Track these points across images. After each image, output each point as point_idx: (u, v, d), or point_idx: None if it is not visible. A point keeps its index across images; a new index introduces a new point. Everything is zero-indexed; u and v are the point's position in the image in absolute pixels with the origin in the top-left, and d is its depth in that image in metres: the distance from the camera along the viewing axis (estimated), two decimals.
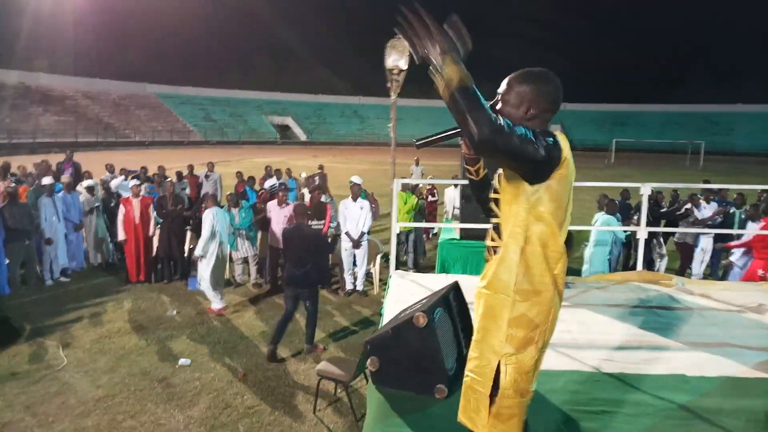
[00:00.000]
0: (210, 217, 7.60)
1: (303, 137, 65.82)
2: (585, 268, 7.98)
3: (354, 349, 6.34)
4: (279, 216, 8.45)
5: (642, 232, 5.99)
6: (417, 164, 16.53)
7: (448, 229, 7.53)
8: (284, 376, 5.75)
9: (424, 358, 3.09)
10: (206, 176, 12.91)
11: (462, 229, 6.68)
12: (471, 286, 4.12)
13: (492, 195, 2.17)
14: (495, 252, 2.10)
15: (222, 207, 8.40)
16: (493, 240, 2.14)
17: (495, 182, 2.18)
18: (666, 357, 3.51)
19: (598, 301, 4.66)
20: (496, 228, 2.12)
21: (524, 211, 1.99)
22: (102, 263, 9.79)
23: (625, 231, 8.26)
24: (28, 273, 8.51)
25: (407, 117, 54.32)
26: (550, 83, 2.06)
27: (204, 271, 7.64)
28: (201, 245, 7.56)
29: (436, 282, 5.30)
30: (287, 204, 8.55)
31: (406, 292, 4.99)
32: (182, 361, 6.00)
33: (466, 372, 2.20)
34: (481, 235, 6.41)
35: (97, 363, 5.92)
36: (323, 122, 69.92)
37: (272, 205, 8.64)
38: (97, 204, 9.59)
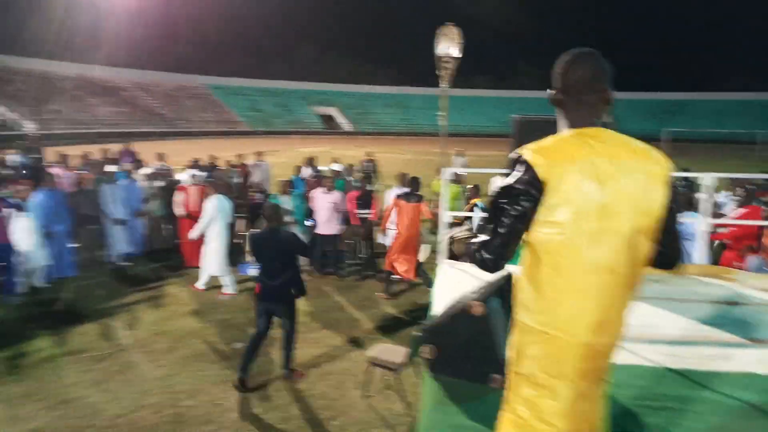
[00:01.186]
0: (211, 205, 7.88)
1: (347, 127, 66.19)
2: None
3: (401, 337, 6.38)
4: (323, 202, 8.54)
5: (702, 224, 5.77)
6: (460, 155, 16.36)
7: None
8: (335, 361, 5.84)
9: (479, 347, 3.09)
10: (255, 165, 13.16)
11: None
12: None
13: None
14: None
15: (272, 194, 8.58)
16: None
17: None
18: (733, 354, 3.39)
19: (658, 295, 4.53)
20: None
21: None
22: (159, 248, 10.16)
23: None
24: (93, 257, 8.92)
25: (452, 107, 53.65)
26: (565, 63, 1.97)
27: (212, 257, 7.93)
28: (198, 229, 7.93)
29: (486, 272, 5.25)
30: (333, 191, 8.62)
31: (454, 282, 4.98)
32: (236, 344, 6.17)
33: None
34: None
35: (158, 344, 6.17)
36: (367, 112, 70.06)
37: (317, 192, 8.74)
38: (154, 191, 9.94)
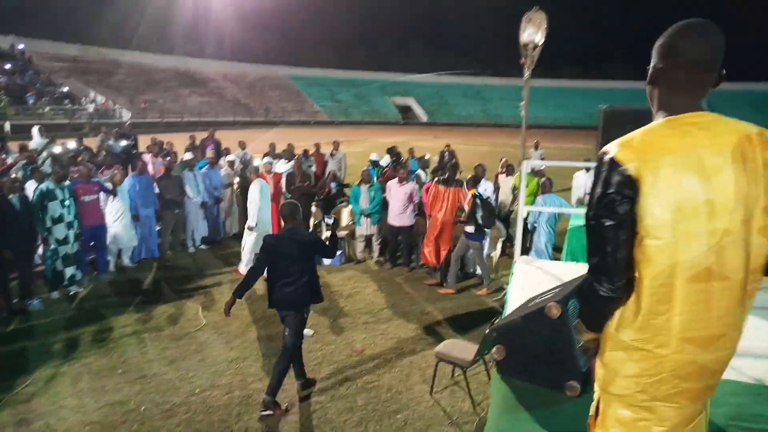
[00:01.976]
0: (255, 190, 7.98)
1: (424, 118, 65.90)
2: None
3: (471, 334, 6.20)
4: (398, 194, 8.44)
5: None
6: (536, 147, 15.70)
7: (578, 215, 7.06)
8: (402, 355, 5.76)
9: (555, 351, 2.89)
10: (331, 155, 13.31)
11: None
12: None
13: None
14: None
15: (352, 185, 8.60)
16: None
17: None
18: None
19: (759, 304, 4.08)
20: None
21: None
22: (237, 233, 10.49)
23: None
24: (175, 240, 9.35)
25: (535, 97, 52.02)
26: (665, 35, 1.69)
27: (249, 238, 8.07)
28: (253, 217, 8.01)
29: (565, 270, 4.99)
30: (407, 182, 8.51)
31: (531, 280, 4.76)
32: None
33: None
34: None
35: (231, 326, 6.35)
36: (445, 103, 69.42)
37: (392, 183, 8.65)
38: (236, 178, 10.26)
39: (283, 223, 4.91)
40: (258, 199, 8.00)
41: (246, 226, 8.22)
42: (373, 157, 11.25)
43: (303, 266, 4.71)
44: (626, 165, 1.59)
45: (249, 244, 8.13)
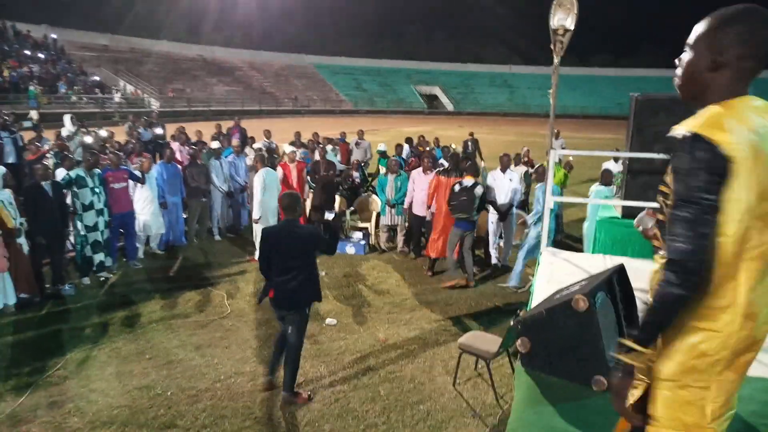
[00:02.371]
0: (259, 179, 8.00)
1: (450, 107, 65.38)
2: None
3: (495, 325, 6.15)
4: (422, 183, 8.38)
5: None
6: (557, 137, 15.36)
7: (607, 206, 6.91)
8: (425, 345, 5.74)
9: (581, 344, 2.83)
10: (356, 144, 13.29)
11: (624, 207, 6.08)
12: (637, 270, 3.71)
13: (662, 187, 1.79)
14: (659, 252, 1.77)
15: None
16: (658, 240, 1.81)
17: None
18: None
19: None
20: (662, 226, 1.77)
21: None
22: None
23: None
24: (201, 228, 9.47)
25: (564, 86, 51.21)
26: (740, 21, 1.60)
27: (256, 229, 8.13)
28: (256, 208, 8.04)
29: (592, 263, 4.90)
30: (432, 171, 8.44)
31: (558, 271, 4.68)
32: (329, 321, 6.26)
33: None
34: None
35: (255, 315, 6.41)
36: (471, 92, 68.71)
37: (416, 173, 8.59)
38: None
39: (282, 215, 4.63)
40: (260, 189, 8.03)
41: (252, 218, 8.28)
42: (381, 147, 11.18)
43: (303, 261, 4.48)
44: (720, 145, 1.51)
45: (258, 235, 8.22)
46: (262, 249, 4.53)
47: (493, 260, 8.33)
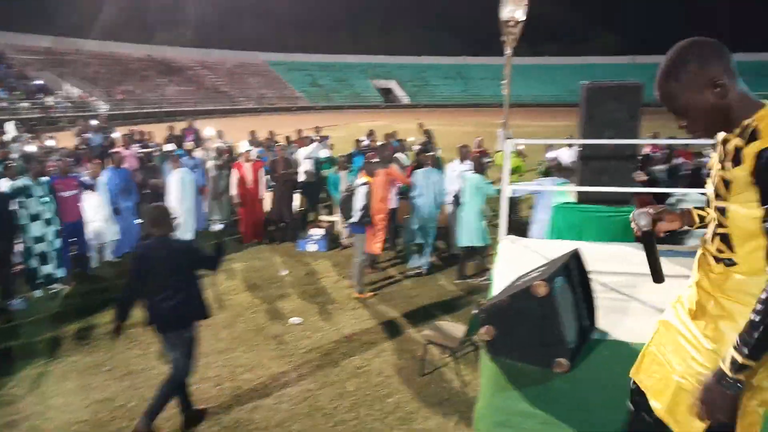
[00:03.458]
0: (174, 180, 8.08)
1: (406, 100, 65.60)
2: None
3: (460, 314, 6.22)
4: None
5: None
6: (503, 127, 15.58)
7: (562, 192, 7.07)
8: (391, 338, 5.76)
9: (542, 329, 2.89)
10: (314, 140, 13.15)
11: (579, 193, 6.22)
12: (592, 253, 3.81)
13: (716, 202, 1.79)
14: (726, 263, 1.77)
15: None
16: (721, 252, 1.79)
17: (715, 188, 1.80)
18: None
19: None
20: (724, 238, 1.77)
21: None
22: (219, 225, 10.37)
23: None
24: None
25: (517, 76, 51.97)
26: (703, 44, 1.70)
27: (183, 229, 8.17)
28: (173, 210, 7.87)
29: (549, 248, 4.99)
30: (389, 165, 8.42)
31: (516, 258, 4.75)
32: (293, 320, 6.21)
33: (686, 376, 1.86)
34: (599, 199, 5.96)
35: (217, 318, 6.28)
36: (426, 84, 69.10)
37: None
38: (221, 165, 10.12)
39: (151, 230, 4.24)
40: (176, 190, 7.95)
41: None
42: (323, 153, 10.89)
43: (179, 279, 4.12)
44: None
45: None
46: (131, 268, 4.14)
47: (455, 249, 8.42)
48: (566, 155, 10.04)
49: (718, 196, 1.76)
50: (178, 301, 4.07)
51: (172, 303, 4.05)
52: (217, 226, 10.16)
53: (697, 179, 7.71)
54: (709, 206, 1.92)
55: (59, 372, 5.14)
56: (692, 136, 1.84)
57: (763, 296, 1.55)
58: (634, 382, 2.13)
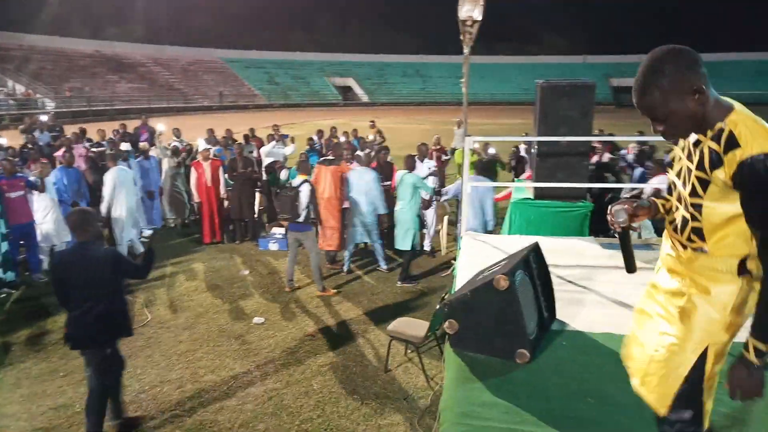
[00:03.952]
0: (110, 177, 7.93)
1: (365, 98, 65.54)
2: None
3: (423, 310, 6.30)
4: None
5: None
6: (459, 126, 15.77)
7: (520, 188, 7.25)
8: (355, 335, 5.79)
9: (504, 322, 2.98)
10: (272, 138, 13.01)
11: (536, 189, 6.40)
12: (549, 248, 3.93)
13: (692, 200, 1.92)
14: (696, 250, 1.94)
15: None
16: (692, 241, 1.94)
17: (692, 187, 1.91)
18: None
19: None
20: (697, 231, 1.92)
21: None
22: (177, 225, 10.16)
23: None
24: (110, 234, 8.94)
25: (473, 74, 52.45)
26: (681, 51, 1.80)
27: (123, 227, 8.12)
28: (104, 206, 7.94)
29: (509, 243, 5.12)
30: (350, 163, 8.44)
31: (478, 254, 4.85)
32: (256, 319, 6.16)
33: (659, 347, 2.02)
34: (555, 194, 6.14)
35: (178, 320, 6.19)
36: (385, 83, 69.19)
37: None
38: (177, 164, 9.90)
39: (71, 236, 3.98)
40: (111, 187, 7.89)
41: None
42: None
43: (100, 290, 3.81)
44: None
45: (117, 233, 8.16)
46: (51, 277, 3.89)
47: (426, 246, 8.52)
48: (523, 152, 10.28)
49: (694, 194, 1.88)
50: (96, 315, 3.77)
51: (91, 317, 3.76)
52: (171, 225, 9.96)
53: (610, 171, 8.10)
54: (671, 195, 2.07)
55: (11, 379, 4.95)
56: (668, 140, 1.95)
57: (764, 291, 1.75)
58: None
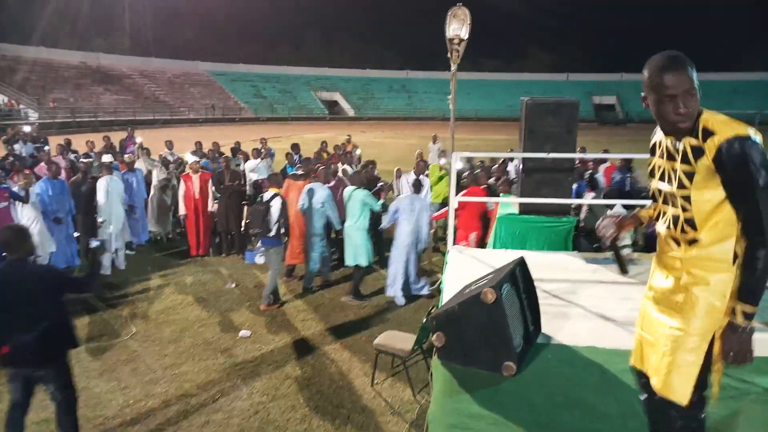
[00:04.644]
0: (102, 187, 8.05)
1: (351, 113, 65.85)
2: None
3: (409, 324, 6.33)
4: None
5: None
6: (434, 141, 15.86)
7: (506, 204, 7.34)
8: (341, 349, 5.80)
9: (491, 334, 3.02)
10: (259, 152, 13.02)
11: (521, 204, 6.49)
12: (534, 262, 4.00)
13: (681, 192, 2.15)
14: (691, 243, 2.15)
15: None
16: (685, 233, 2.16)
17: (678, 182, 2.15)
18: None
19: None
20: (689, 222, 2.13)
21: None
22: (163, 237, 10.10)
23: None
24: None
25: (459, 90, 52.87)
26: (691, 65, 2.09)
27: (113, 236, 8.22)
28: (100, 214, 8.09)
29: (495, 257, 5.18)
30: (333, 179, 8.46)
31: (464, 268, 4.91)
32: (243, 333, 6.14)
33: (666, 343, 2.18)
34: (540, 210, 6.24)
35: (163, 333, 6.14)
36: (371, 97, 69.62)
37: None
38: (166, 177, 9.86)
39: (5, 254, 3.77)
40: (104, 195, 8.00)
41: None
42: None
43: (42, 308, 3.70)
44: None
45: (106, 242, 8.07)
46: None
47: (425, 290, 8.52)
48: (510, 168, 10.41)
49: (681, 186, 2.12)
50: (43, 333, 3.66)
51: (34, 336, 3.64)
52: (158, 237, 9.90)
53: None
54: (655, 202, 2.34)
55: None
56: (681, 122, 2.11)
57: (757, 262, 1.96)
58: (638, 371, 2.40)
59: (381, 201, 7.68)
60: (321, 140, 14.52)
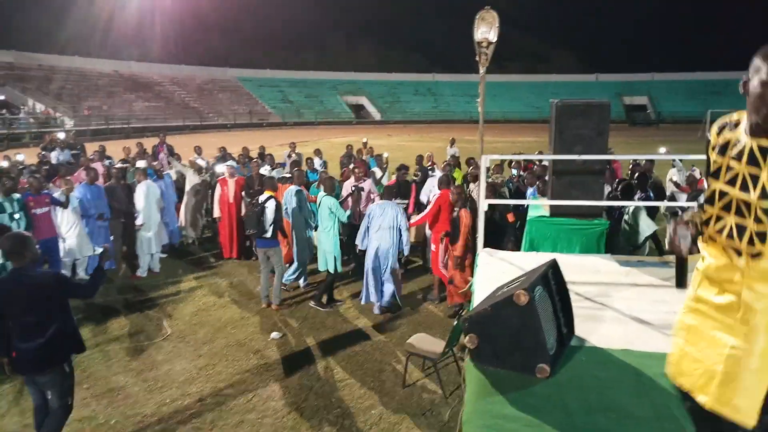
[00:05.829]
0: (141, 192, 8.33)
1: (377, 116, 66.05)
2: None
3: (439, 325, 6.34)
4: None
5: None
6: (452, 145, 15.91)
7: (536, 206, 7.29)
8: (372, 351, 5.84)
9: (524, 336, 3.02)
10: (289, 156, 13.22)
11: (552, 206, 6.45)
12: (566, 264, 3.98)
13: (760, 202, 1.91)
14: (754, 256, 1.94)
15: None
16: (752, 245, 1.94)
17: (762, 189, 1.92)
18: None
19: None
20: (761, 235, 1.92)
21: None
22: (194, 241, 10.29)
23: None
24: (130, 249, 9.09)
25: (486, 93, 52.74)
26: None
27: (146, 242, 8.42)
28: (140, 217, 8.34)
29: (526, 260, 5.16)
30: (364, 180, 8.53)
31: (495, 270, 4.91)
32: (274, 334, 6.24)
33: (725, 362, 2.00)
34: (571, 212, 6.19)
35: (197, 334, 6.28)
36: (397, 101, 69.72)
37: (347, 183, 8.68)
38: (204, 181, 10.08)
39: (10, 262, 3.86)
40: (143, 199, 8.23)
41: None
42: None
43: (47, 314, 3.74)
44: None
45: (145, 245, 8.41)
46: None
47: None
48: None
49: (765, 198, 1.87)
50: (47, 339, 3.70)
51: (41, 341, 3.69)
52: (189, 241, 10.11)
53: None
54: (711, 205, 2.05)
55: None
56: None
57: None
58: (677, 387, 2.21)
59: (348, 212, 7.73)
60: (346, 144, 14.62)
